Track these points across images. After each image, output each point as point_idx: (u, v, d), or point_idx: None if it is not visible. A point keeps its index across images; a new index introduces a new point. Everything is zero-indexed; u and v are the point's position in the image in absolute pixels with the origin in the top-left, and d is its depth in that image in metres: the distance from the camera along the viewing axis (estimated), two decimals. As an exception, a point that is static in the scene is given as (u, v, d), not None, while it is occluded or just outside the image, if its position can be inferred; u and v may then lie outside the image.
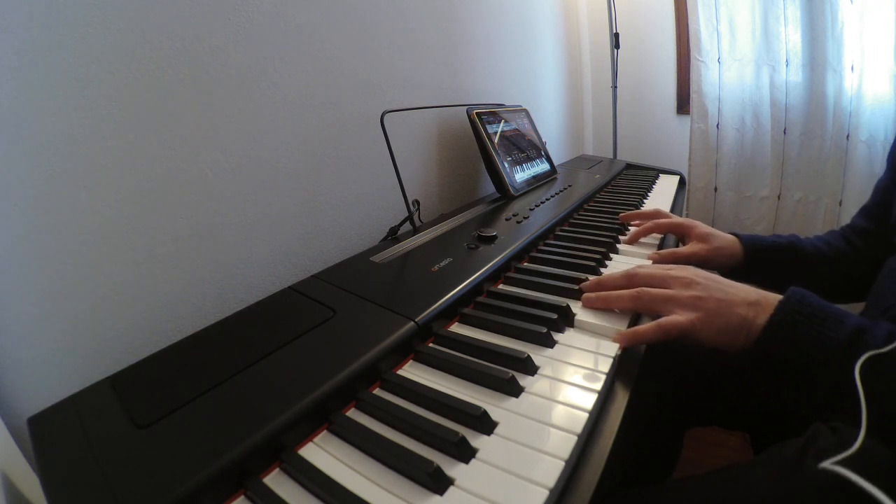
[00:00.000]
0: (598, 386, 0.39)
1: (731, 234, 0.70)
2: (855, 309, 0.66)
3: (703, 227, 0.70)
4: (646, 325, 0.44)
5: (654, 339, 0.44)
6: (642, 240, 0.74)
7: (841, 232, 0.73)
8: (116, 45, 0.47)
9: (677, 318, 0.44)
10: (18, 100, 0.41)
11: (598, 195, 1.04)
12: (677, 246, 0.74)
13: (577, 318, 0.50)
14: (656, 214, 0.76)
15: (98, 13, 0.46)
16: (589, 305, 0.52)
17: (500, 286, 0.58)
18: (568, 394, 0.38)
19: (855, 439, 0.34)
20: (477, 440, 0.33)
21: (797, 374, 0.41)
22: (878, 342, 0.37)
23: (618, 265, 0.65)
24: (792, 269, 0.69)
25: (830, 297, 0.74)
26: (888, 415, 0.35)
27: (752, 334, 0.42)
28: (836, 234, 0.73)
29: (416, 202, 0.76)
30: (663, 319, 0.44)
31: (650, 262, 0.65)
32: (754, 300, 0.44)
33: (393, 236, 0.73)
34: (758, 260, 0.68)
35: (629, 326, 0.47)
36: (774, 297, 0.43)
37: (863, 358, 0.37)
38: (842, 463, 0.33)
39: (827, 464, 0.34)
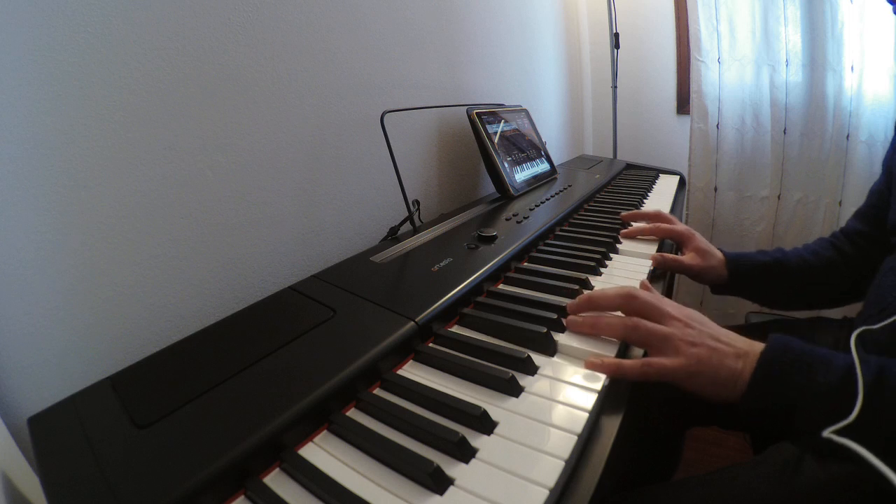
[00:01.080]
0: (598, 386, 0.39)
1: (719, 250, 0.71)
2: (852, 309, 0.67)
3: (700, 240, 0.71)
4: (631, 362, 0.42)
5: (637, 378, 0.42)
6: (642, 241, 0.74)
7: (830, 239, 0.74)
8: (116, 46, 0.47)
9: (664, 362, 0.42)
10: (18, 100, 0.41)
11: (598, 195, 1.04)
12: (676, 251, 0.74)
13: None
14: (657, 216, 0.77)
15: (98, 13, 0.46)
16: (575, 330, 0.47)
17: (501, 286, 0.58)
18: (568, 394, 0.38)
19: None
20: (477, 440, 0.33)
21: (787, 424, 0.39)
22: (869, 378, 0.36)
23: (618, 265, 0.65)
24: (776, 284, 0.71)
25: (819, 304, 0.75)
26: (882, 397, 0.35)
27: (738, 386, 0.40)
28: (825, 241, 0.74)
29: (416, 202, 0.76)
30: (650, 360, 0.42)
31: (651, 263, 0.65)
32: (743, 351, 0.42)
33: (393, 236, 0.73)
34: (742, 278, 0.70)
35: (620, 347, 0.45)
36: (760, 347, 0.42)
37: (856, 332, 0.37)
38: (841, 432, 0.34)
39: (828, 432, 0.34)
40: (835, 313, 0.77)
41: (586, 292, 0.51)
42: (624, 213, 0.82)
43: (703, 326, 0.45)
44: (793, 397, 0.39)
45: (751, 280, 0.70)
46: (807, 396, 0.38)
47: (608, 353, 0.44)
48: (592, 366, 0.42)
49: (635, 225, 0.76)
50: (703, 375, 0.41)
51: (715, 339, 0.43)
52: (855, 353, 0.36)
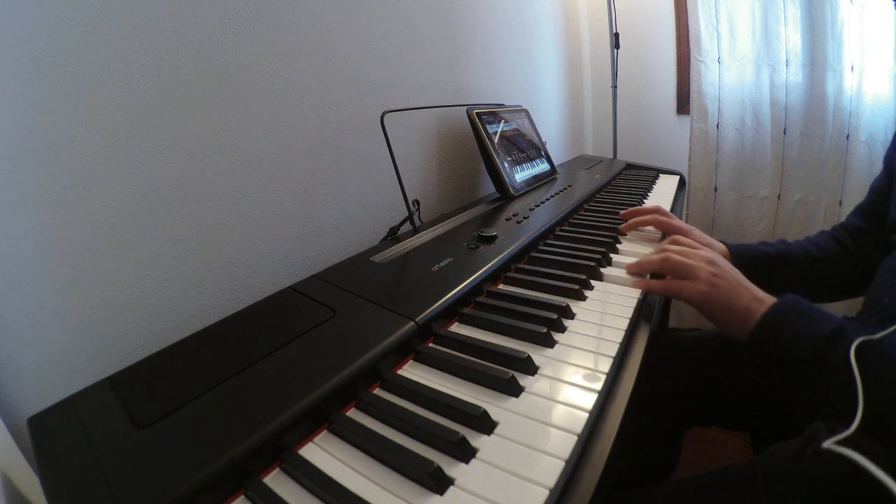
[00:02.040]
0: (598, 386, 0.39)
1: (721, 242, 0.71)
2: (853, 306, 0.67)
3: (698, 236, 0.71)
4: (657, 281, 0.55)
5: (659, 292, 0.55)
6: (643, 241, 0.74)
7: (832, 232, 0.74)
8: (116, 46, 0.47)
9: (687, 284, 0.53)
10: (19, 100, 0.41)
11: (598, 195, 1.04)
12: None
13: (577, 316, 0.50)
14: (656, 211, 0.77)
15: (98, 14, 0.46)
16: (630, 272, 0.60)
17: (500, 286, 0.58)
18: (568, 394, 0.38)
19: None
20: (477, 440, 0.33)
21: (789, 365, 0.46)
22: (856, 336, 0.41)
23: (618, 265, 0.65)
24: (780, 275, 0.72)
25: (821, 296, 0.75)
26: (879, 410, 0.36)
27: (749, 326, 0.49)
28: (827, 235, 0.74)
29: (416, 202, 0.76)
30: (672, 281, 0.53)
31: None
32: (760, 297, 0.51)
33: (393, 236, 0.73)
34: (746, 270, 0.70)
35: (638, 304, 0.53)
36: (773, 300, 0.50)
37: (857, 342, 0.37)
38: (842, 443, 0.34)
39: (829, 443, 0.35)
40: (835, 311, 0.77)
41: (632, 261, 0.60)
42: (623, 212, 0.82)
43: (728, 267, 0.54)
44: (792, 342, 0.46)
45: (755, 271, 0.70)
46: (806, 341, 0.45)
47: (607, 356, 0.44)
48: (636, 267, 0.58)
49: (633, 219, 0.77)
50: (720, 302, 0.51)
51: (737, 280, 0.53)
52: (855, 365, 0.37)
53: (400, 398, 0.38)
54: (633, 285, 0.55)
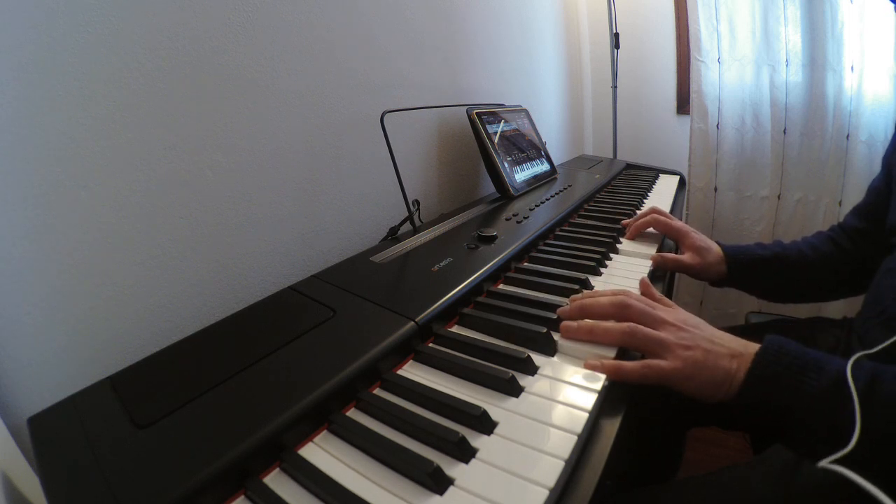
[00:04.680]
0: (598, 386, 0.39)
1: (717, 243, 0.71)
2: (853, 305, 0.67)
3: (696, 238, 0.71)
4: (632, 364, 0.42)
5: (636, 380, 0.41)
6: (642, 242, 0.74)
7: (829, 233, 0.74)
8: (116, 46, 0.47)
9: (662, 363, 0.42)
10: (19, 100, 0.41)
11: (598, 195, 1.04)
12: (676, 249, 0.74)
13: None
14: (654, 212, 0.77)
15: (98, 13, 0.46)
16: (570, 336, 0.46)
17: (501, 286, 0.58)
18: (568, 394, 0.38)
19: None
20: (477, 440, 0.33)
21: (782, 422, 0.40)
22: (861, 384, 0.36)
23: (618, 265, 0.65)
24: (775, 278, 0.71)
25: (819, 297, 0.75)
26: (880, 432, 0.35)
27: (733, 387, 0.41)
28: (824, 236, 0.74)
29: (416, 202, 0.76)
30: (649, 362, 0.42)
31: (651, 264, 0.65)
32: (738, 352, 0.42)
33: (393, 236, 0.73)
34: (741, 273, 0.70)
35: (616, 353, 0.44)
36: (754, 348, 0.42)
37: (853, 359, 0.37)
38: (838, 462, 0.33)
39: (824, 462, 0.34)
40: (835, 313, 0.77)
41: (577, 299, 0.49)
42: (624, 221, 0.81)
43: (697, 329, 0.45)
44: (785, 399, 0.39)
45: (750, 274, 0.70)
46: (799, 400, 0.38)
47: (607, 354, 0.44)
48: (592, 367, 0.42)
49: (634, 224, 0.77)
50: (699, 377, 0.41)
51: (709, 342, 0.43)
52: (851, 382, 0.36)
53: (400, 398, 0.38)
54: (603, 370, 0.41)
